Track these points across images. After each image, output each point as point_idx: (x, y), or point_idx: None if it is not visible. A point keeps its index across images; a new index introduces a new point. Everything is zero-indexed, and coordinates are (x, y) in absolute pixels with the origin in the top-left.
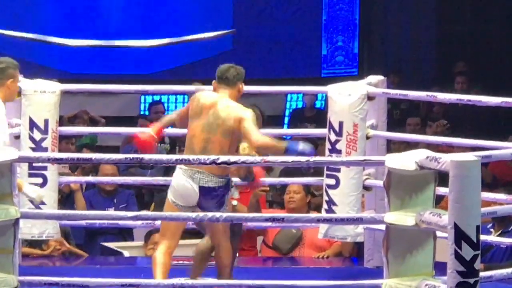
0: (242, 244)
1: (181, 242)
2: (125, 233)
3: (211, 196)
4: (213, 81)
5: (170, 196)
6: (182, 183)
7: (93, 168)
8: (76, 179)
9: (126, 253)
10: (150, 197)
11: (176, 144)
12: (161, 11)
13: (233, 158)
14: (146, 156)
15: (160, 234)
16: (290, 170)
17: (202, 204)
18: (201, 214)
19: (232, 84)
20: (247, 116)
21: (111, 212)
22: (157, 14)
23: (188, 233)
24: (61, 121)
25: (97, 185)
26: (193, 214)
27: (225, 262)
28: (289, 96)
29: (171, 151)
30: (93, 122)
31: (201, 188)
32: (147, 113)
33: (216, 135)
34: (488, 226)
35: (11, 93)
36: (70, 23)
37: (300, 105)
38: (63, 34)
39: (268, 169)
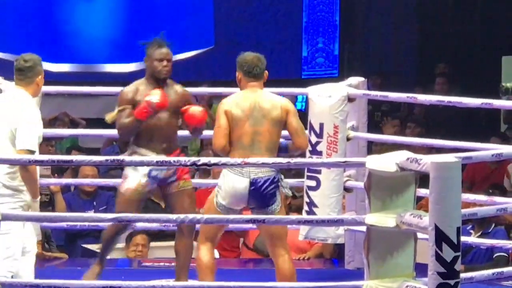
0: (224, 245)
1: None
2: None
3: (261, 190)
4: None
5: (217, 199)
6: (232, 182)
7: (73, 170)
8: (56, 181)
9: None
10: None
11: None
12: (143, 17)
13: (213, 160)
14: (127, 158)
15: (203, 237)
16: None
17: (251, 202)
18: (182, 216)
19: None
20: (293, 109)
21: (91, 214)
22: (138, 23)
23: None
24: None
25: (77, 187)
26: (173, 216)
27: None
28: None
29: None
30: (73, 124)
31: (252, 183)
32: None
33: (264, 126)
34: (468, 228)
35: (39, 89)
36: (50, 47)
37: None
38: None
39: None
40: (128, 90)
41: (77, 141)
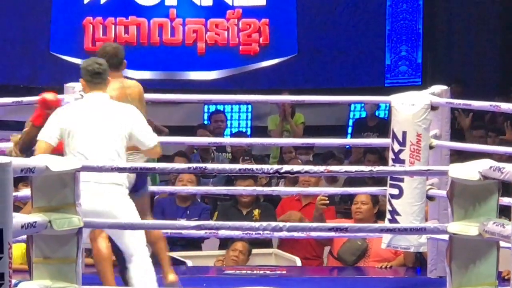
0: (306, 253)
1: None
2: (193, 244)
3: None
4: None
5: None
6: None
7: (172, 176)
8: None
9: (190, 263)
10: (214, 206)
11: (238, 154)
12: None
13: (296, 168)
14: (209, 166)
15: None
16: (354, 180)
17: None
18: (265, 224)
19: None
20: None
21: (174, 221)
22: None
23: (256, 244)
24: None
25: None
26: (256, 224)
27: None
28: (352, 105)
29: (233, 160)
30: (157, 131)
31: None
32: (208, 122)
33: None
34: None
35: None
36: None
37: (363, 115)
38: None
39: (332, 179)
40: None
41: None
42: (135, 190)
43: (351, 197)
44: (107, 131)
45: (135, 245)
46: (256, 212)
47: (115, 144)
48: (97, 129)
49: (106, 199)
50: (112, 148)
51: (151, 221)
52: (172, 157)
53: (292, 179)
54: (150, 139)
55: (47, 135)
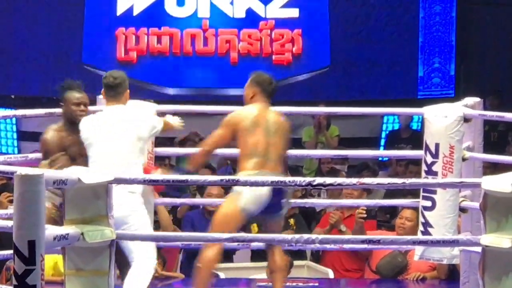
0: (347, 266)
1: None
2: (225, 256)
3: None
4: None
5: (241, 204)
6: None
7: (199, 189)
8: (172, 201)
9: (222, 275)
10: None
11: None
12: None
13: (328, 180)
14: (242, 178)
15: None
16: (393, 192)
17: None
18: (297, 236)
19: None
20: None
21: (207, 234)
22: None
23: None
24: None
25: (203, 206)
26: (288, 236)
27: None
28: (385, 117)
29: None
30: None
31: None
32: None
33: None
34: None
35: (127, 103)
36: (168, 71)
37: (396, 127)
38: (162, 82)
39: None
40: (52, 136)
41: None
42: (274, 211)
43: (391, 209)
44: (118, 142)
45: (139, 250)
46: (291, 221)
47: (126, 153)
48: (109, 140)
49: (123, 207)
50: (123, 158)
51: (184, 233)
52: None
53: (337, 191)
54: (155, 126)
55: None
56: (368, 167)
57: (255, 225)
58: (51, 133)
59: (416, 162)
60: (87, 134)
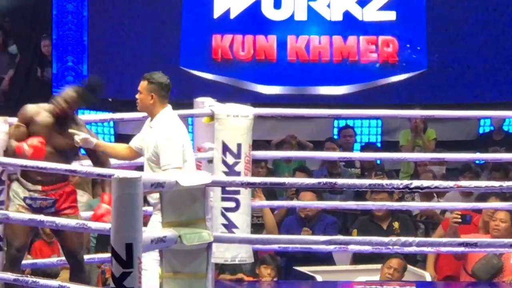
0: (444, 269)
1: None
2: (324, 259)
3: None
4: None
5: None
6: None
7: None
8: (268, 203)
9: (319, 278)
10: (343, 221)
11: (367, 168)
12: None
13: (425, 183)
14: (340, 181)
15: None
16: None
17: None
18: (394, 239)
19: None
20: None
21: (303, 236)
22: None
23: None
24: (261, 146)
25: (297, 211)
26: (386, 239)
27: None
28: (482, 120)
29: (362, 176)
30: (300, 146)
31: None
32: (337, 137)
33: None
34: None
35: None
36: (263, 70)
37: (491, 129)
38: (257, 80)
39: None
40: (31, 108)
41: (304, 163)
42: None
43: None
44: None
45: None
46: (396, 224)
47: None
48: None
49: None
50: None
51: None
52: (293, 172)
53: (429, 194)
54: None
55: None
56: (471, 169)
57: (355, 230)
58: (33, 105)
59: (498, 168)
60: (185, 140)
